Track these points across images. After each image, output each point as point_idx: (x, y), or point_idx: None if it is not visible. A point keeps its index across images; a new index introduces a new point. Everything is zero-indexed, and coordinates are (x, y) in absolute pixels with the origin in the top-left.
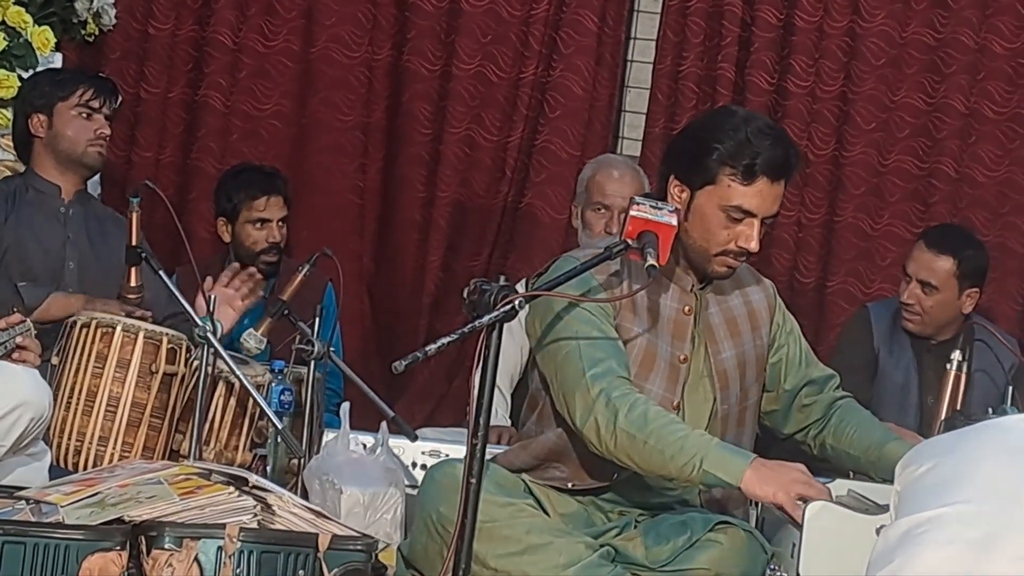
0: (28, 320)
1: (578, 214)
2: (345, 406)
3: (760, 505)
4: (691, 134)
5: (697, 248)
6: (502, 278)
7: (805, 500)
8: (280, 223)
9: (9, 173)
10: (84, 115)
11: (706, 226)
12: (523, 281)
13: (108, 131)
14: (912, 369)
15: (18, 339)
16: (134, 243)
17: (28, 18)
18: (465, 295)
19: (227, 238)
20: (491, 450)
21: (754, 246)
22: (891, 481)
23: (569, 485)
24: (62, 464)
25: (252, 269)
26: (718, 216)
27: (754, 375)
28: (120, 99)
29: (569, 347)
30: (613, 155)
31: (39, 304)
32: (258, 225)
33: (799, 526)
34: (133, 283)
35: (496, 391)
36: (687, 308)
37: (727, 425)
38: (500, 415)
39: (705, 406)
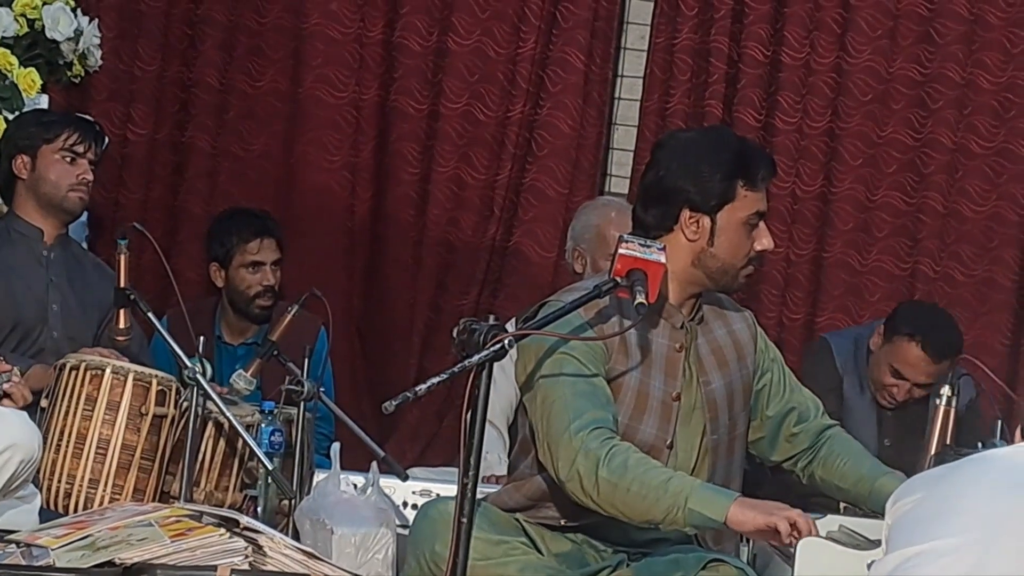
0: (15, 368)
1: (584, 260)
2: (335, 446)
3: (752, 542)
4: (685, 166)
5: (725, 268)
6: (491, 317)
7: (794, 527)
8: (274, 266)
9: None
10: (68, 159)
11: (733, 242)
12: (512, 320)
13: (91, 177)
14: (872, 410)
15: (5, 386)
16: (122, 285)
17: (14, 60)
18: (455, 334)
19: (220, 283)
20: (483, 489)
21: (772, 243)
22: (882, 515)
23: (562, 522)
24: (52, 507)
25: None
26: (741, 229)
27: (742, 404)
28: (106, 140)
29: (554, 398)
30: (611, 198)
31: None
32: (252, 269)
33: (789, 557)
34: (122, 325)
35: (493, 429)
36: (679, 345)
37: (717, 455)
38: (498, 454)
39: (696, 439)
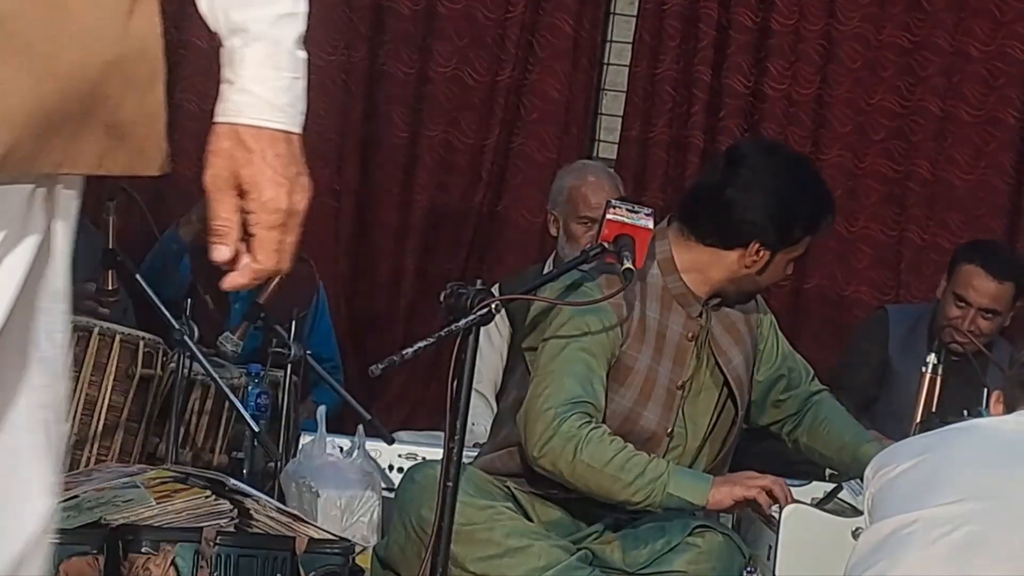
0: None
1: (558, 223)
2: (321, 409)
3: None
4: (771, 205)
5: (758, 290)
6: (479, 282)
7: (773, 498)
8: None
9: None
10: None
11: (777, 274)
12: (496, 285)
13: None
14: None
15: None
16: (110, 246)
17: None
18: (442, 299)
19: None
20: (469, 455)
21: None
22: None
23: (553, 490)
24: None
25: None
26: (787, 265)
27: (752, 372)
28: None
29: (549, 371)
30: (588, 161)
31: None
32: None
33: (773, 524)
34: (109, 287)
35: (480, 399)
36: (690, 334)
37: (731, 433)
38: (484, 426)
39: (704, 421)
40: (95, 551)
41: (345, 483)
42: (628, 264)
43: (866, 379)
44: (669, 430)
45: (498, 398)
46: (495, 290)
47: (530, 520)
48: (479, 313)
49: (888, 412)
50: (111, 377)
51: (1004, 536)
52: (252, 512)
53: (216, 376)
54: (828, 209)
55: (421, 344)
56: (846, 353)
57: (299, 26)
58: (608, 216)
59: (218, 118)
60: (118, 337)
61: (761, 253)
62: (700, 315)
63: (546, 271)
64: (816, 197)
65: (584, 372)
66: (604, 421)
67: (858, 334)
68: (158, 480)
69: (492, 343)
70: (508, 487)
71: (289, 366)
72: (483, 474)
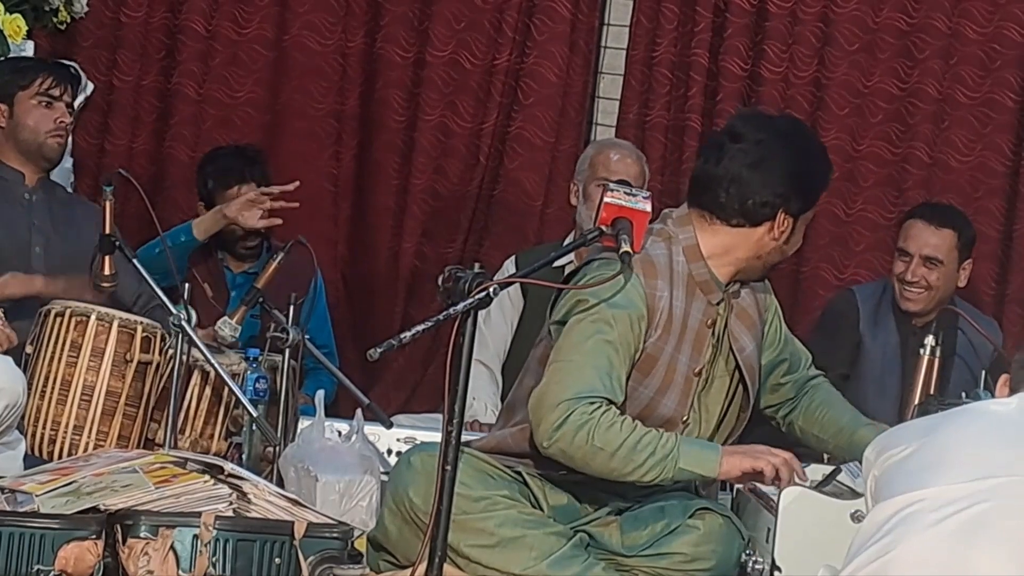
0: None
1: (578, 191)
2: (320, 393)
3: (735, 490)
4: (797, 173)
5: (780, 262)
6: (477, 265)
7: (778, 476)
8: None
9: None
10: (44, 104)
11: (798, 241)
12: (512, 258)
13: (68, 119)
14: (896, 353)
15: None
16: (107, 231)
17: (0, 6)
18: (440, 282)
19: None
20: (465, 437)
21: None
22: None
23: (562, 471)
24: (36, 453)
25: None
26: (803, 229)
27: (760, 358)
28: (91, 86)
29: (570, 358)
30: (623, 142)
31: None
32: None
33: (771, 507)
34: (107, 271)
35: (485, 371)
36: (709, 321)
37: (740, 419)
38: (485, 403)
39: (716, 409)
40: (94, 536)
41: (344, 467)
42: (626, 247)
43: (840, 359)
44: (685, 417)
45: (503, 370)
46: (510, 263)
47: (538, 505)
48: (477, 297)
49: (859, 387)
50: (109, 362)
51: (1012, 516)
52: (251, 496)
53: (214, 361)
54: (831, 164)
55: (419, 328)
56: (818, 335)
57: None
58: (606, 199)
59: None
60: (116, 322)
61: (786, 222)
62: (719, 303)
63: None
64: (822, 155)
65: (605, 366)
66: (623, 409)
67: (829, 316)
68: (156, 465)
69: (503, 314)
70: (519, 472)
71: (287, 350)
72: (484, 457)
